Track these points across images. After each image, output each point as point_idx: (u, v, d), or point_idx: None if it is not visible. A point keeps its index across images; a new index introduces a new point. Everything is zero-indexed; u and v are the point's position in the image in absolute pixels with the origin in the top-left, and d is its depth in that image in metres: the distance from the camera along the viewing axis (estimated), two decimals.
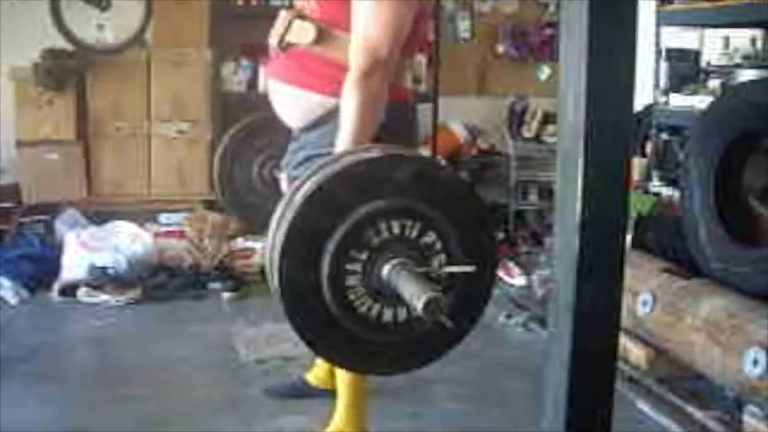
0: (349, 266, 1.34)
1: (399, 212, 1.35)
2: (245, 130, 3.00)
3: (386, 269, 1.34)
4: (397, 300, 1.36)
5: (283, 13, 2.14)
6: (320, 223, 1.34)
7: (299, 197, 1.37)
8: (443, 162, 1.44)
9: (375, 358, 1.45)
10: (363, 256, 1.34)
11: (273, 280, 1.39)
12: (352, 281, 1.35)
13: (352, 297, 1.36)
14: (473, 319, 1.51)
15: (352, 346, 1.41)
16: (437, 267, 1.38)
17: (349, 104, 1.86)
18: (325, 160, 1.47)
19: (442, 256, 1.38)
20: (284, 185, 2.33)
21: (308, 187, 1.37)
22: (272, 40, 2.15)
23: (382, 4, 1.87)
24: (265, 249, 1.46)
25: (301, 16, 2.08)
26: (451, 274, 1.39)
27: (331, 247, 1.33)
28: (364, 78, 1.84)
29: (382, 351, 1.43)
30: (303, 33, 2.05)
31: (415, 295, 1.27)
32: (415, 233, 1.36)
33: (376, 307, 1.38)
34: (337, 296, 1.35)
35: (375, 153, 1.42)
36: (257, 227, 3.07)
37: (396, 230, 1.35)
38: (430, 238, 1.37)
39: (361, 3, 1.90)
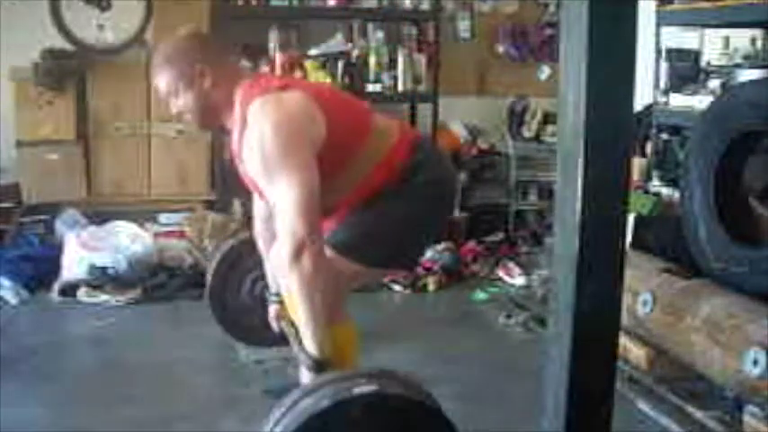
0: None
1: None
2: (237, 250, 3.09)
3: None
4: None
5: (255, 201, 2.38)
6: None
7: None
8: (396, 385, 1.54)
9: None
10: None
11: None
12: None
13: None
14: None
15: None
16: None
17: (291, 287, 1.97)
18: (284, 406, 1.56)
19: None
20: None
21: None
22: (257, 221, 2.43)
23: (280, 189, 1.93)
24: None
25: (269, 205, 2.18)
26: None
27: None
28: (294, 262, 1.92)
29: None
30: None
31: None
32: None
33: None
34: None
35: (326, 401, 1.50)
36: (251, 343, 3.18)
37: None
38: None
39: (268, 194, 2.01)
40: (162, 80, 2.08)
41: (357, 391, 1.51)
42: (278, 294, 2.44)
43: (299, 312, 1.97)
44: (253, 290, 2.94)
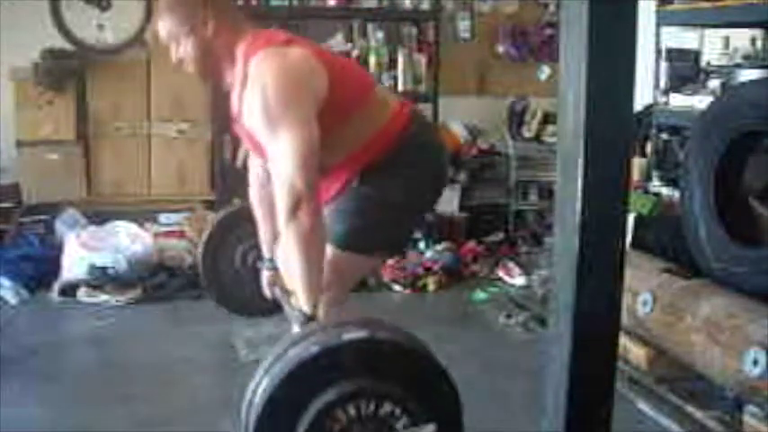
0: None
1: (350, 398, 1.43)
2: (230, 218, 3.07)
3: None
4: None
5: (251, 162, 2.34)
6: (280, 427, 1.44)
7: (257, 401, 1.46)
8: (387, 328, 1.52)
9: None
10: None
11: None
12: None
13: None
14: None
15: None
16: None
17: (287, 243, 1.93)
18: (273, 355, 1.54)
19: (405, 419, 1.46)
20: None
21: (262, 392, 1.46)
22: (253, 185, 2.36)
23: (280, 141, 1.91)
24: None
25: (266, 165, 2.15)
26: None
27: None
28: (292, 216, 1.89)
29: None
30: None
31: None
32: (371, 409, 1.44)
33: None
34: None
35: (315, 348, 1.48)
36: (241, 314, 3.14)
37: (352, 413, 1.43)
38: (387, 408, 1.45)
39: (266, 146, 1.97)
40: (164, 25, 2.06)
41: (347, 337, 1.49)
42: (272, 260, 2.42)
43: (293, 267, 1.94)
44: (245, 260, 2.91)
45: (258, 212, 2.41)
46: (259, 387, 1.48)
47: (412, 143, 2.15)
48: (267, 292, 2.46)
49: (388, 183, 2.11)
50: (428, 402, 1.48)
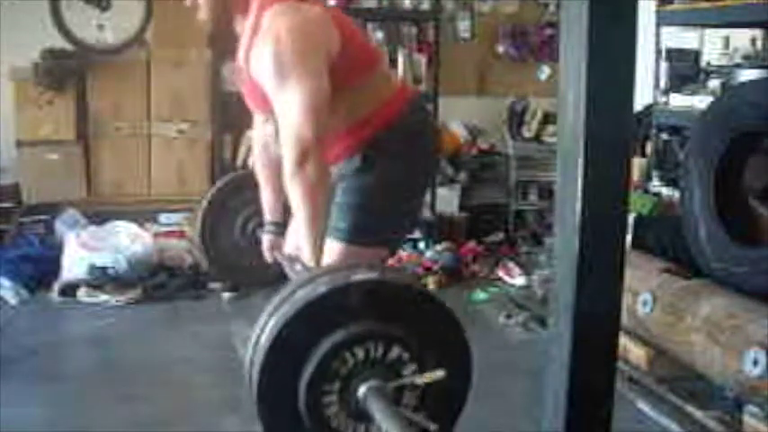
0: (325, 399, 1.41)
1: (359, 339, 1.40)
2: (230, 185, 3.04)
3: (360, 393, 1.39)
4: None
5: (249, 134, 2.21)
6: (287, 368, 1.40)
7: (262, 343, 1.43)
8: (397, 274, 1.48)
9: None
10: (336, 387, 1.40)
11: (257, 414, 1.46)
12: (331, 411, 1.41)
13: (335, 424, 1.42)
14: (453, 419, 1.56)
15: None
16: (409, 379, 1.42)
17: (293, 195, 1.91)
18: (279, 297, 1.50)
19: (413, 366, 1.42)
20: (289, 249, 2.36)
21: (269, 333, 1.43)
22: (256, 145, 2.29)
23: (290, 91, 1.89)
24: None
25: (269, 121, 2.13)
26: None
27: (302, 386, 1.38)
28: (299, 168, 1.87)
29: None
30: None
31: None
32: (379, 353, 1.41)
33: (361, 427, 1.43)
34: (319, 426, 1.42)
35: (323, 288, 1.45)
36: (241, 285, 3.09)
37: (360, 356, 1.40)
38: (395, 352, 1.42)
39: (273, 96, 1.93)
40: None
41: (356, 278, 1.46)
42: (273, 224, 2.40)
43: (298, 221, 1.92)
44: (244, 229, 2.88)
45: (261, 175, 2.38)
46: (265, 328, 1.44)
47: (413, 122, 2.15)
48: (268, 256, 2.43)
49: (388, 165, 2.09)
50: (437, 349, 1.44)
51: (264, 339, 1.42)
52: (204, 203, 2.90)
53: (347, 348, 1.38)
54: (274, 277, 2.41)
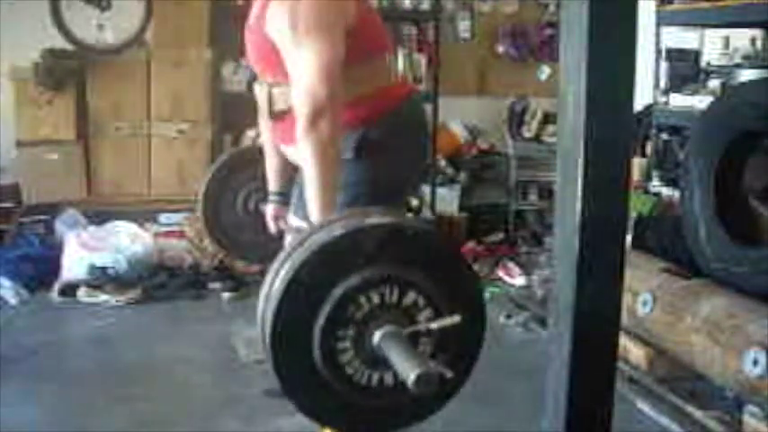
0: (339, 345, 1.38)
1: (374, 283, 1.37)
2: (230, 162, 3.02)
3: (375, 339, 1.37)
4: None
5: (258, 88, 2.18)
6: (301, 312, 1.37)
7: (277, 286, 1.40)
8: (413, 218, 1.45)
9: (372, 420, 1.48)
10: (351, 332, 1.38)
11: (268, 363, 1.44)
12: (345, 357, 1.39)
13: (350, 371, 1.40)
14: (468, 368, 1.54)
15: (351, 414, 1.45)
16: (425, 324, 1.40)
17: (304, 154, 1.89)
18: (296, 240, 1.49)
19: (428, 311, 1.41)
20: (294, 222, 2.33)
21: (283, 275, 1.40)
22: (264, 115, 2.20)
23: (306, 47, 1.88)
24: (258, 331, 1.50)
25: (276, 84, 2.09)
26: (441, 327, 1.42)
27: (317, 331, 1.36)
28: (311, 126, 1.86)
29: (380, 412, 1.46)
30: (286, 98, 2.06)
31: (406, 371, 1.29)
32: (395, 298, 1.39)
33: (376, 375, 1.41)
34: (335, 374, 1.40)
35: (339, 231, 1.44)
36: (244, 259, 3.06)
37: (376, 300, 1.37)
38: (411, 298, 1.40)
39: (288, 54, 1.92)
40: None
41: (371, 221, 1.43)
42: (278, 194, 2.39)
43: (308, 183, 1.89)
44: (247, 204, 2.87)
45: (267, 144, 2.37)
46: (279, 273, 1.41)
47: (408, 119, 2.15)
48: (272, 227, 2.41)
49: (378, 159, 2.08)
50: (453, 295, 1.42)
51: (279, 284, 1.38)
52: (209, 176, 2.88)
53: (363, 292, 1.35)
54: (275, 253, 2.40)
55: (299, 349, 1.37)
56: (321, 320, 1.35)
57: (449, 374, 1.38)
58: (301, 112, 1.87)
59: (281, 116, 2.12)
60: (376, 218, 1.44)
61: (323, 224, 1.50)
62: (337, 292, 1.35)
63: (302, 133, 1.87)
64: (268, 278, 1.45)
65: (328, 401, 1.41)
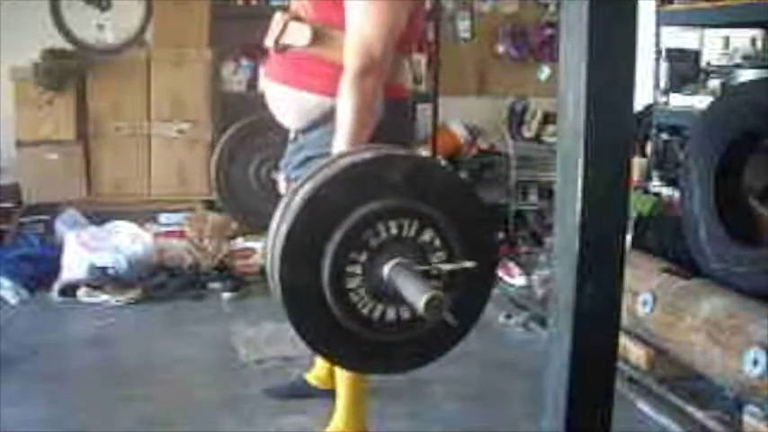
0: (349, 269, 1.35)
1: (396, 212, 1.35)
2: (243, 131, 2.98)
3: (386, 269, 1.34)
4: (398, 299, 1.36)
5: (278, 16, 2.14)
6: (318, 227, 1.34)
7: (296, 201, 1.37)
8: (439, 160, 1.44)
9: (376, 358, 1.45)
10: (363, 258, 1.35)
11: (274, 283, 1.40)
12: (353, 283, 1.35)
13: (354, 299, 1.36)
14: (475, 316, 1.51)
15: (353, 347, 1.41)
16: (437, 265, 1.38)
17: (345, 105, 1.87)
18: (321, 163, 1.47)
19: (442, 254, 1.39)
20: (283, 186, 2.33)
21: (305, 191, 1.37)
22: (268, 42, 2.15)
23: (375, 4, 1.87)
24: (266, 251, 1.46)
25: (297, 18, 2.08)
26: (452, 270, 1.39)
27: (330, 250, 1.33)
28: (359, 79, 1.85)
29: (384, 350, 1.44)
30: (299, 35, 2.05)
31: (416, 294, 1.27)
32: (412, 232, 1.36)
33: (378, 307, 1.38)
34: (339, 298, 1.35)
35: (369, 154, 1.42)
36: (256, 228, 3.05)
37: (393, 231, 1.35)
38: (428, 236, 1.37)
39: (354, 3, 1.90)
40: None
41: (397, 153, 1.44)
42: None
43: (340, 137, 1.86)
44: (259, 172, 2.85)
45: None
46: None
47: (395, 115, 2.12)
48: (284, 192, 2.41)
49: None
50: (468, 243, 1.41)
51: (299, 198, 1.36)
52: (217, 150, 2.87)
53: (382, 220, 1.34)
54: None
55: (308, 267, 1.34)
56: (336, 240, 1.32)
57: (451, 320, 1.35)
58: (352, 63, 1.86)
59: (282, 50, 2.10)
60: (402, 152, 1.43)
61: (350, 151, 1.49)
62: (357, 214, 1.33)
63: (348, 84, 1.85)
64: (293, 186, 1.43)
65: (325, 326, 1.38)
